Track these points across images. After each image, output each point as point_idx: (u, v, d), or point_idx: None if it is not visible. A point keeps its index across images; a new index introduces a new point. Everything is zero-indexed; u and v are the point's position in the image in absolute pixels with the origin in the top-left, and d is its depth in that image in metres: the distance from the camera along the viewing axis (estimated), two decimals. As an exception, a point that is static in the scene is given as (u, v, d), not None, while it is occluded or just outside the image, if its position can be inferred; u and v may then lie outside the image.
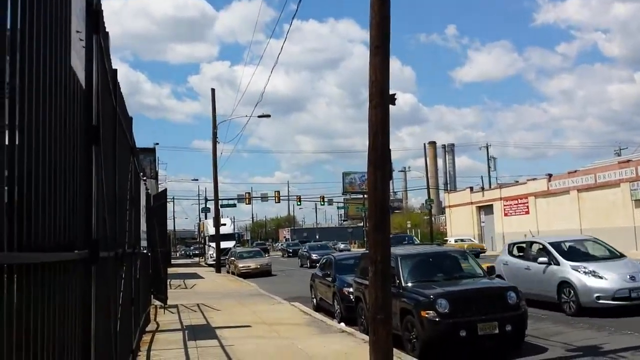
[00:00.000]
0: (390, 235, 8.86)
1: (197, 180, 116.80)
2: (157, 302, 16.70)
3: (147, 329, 12.30)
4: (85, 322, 3.32)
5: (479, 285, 10.70)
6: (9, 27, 1.90)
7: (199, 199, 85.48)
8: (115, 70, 5.88)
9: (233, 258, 37.21)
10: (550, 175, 47.67)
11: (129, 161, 8.00)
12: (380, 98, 8.40)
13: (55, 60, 2.55)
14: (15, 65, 1.97)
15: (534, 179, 50.48)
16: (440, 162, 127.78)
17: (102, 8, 4.12)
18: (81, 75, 3.31)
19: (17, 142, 1.98)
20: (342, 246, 69.81)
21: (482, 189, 61.48)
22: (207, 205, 65.50)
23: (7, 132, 1.89)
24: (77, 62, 3.16)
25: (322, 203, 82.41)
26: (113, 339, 4.99)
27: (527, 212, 49.46)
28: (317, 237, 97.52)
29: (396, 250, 11.32)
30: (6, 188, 1.88)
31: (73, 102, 3.01)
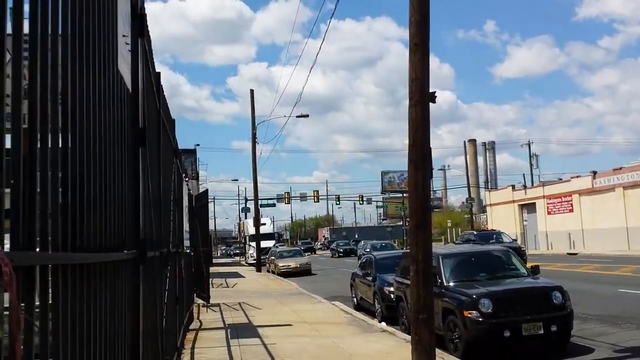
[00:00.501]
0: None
1: (236, 180, 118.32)
2: (200, 301, 16.92)
3: (191, 327, 12.48)
4: (134, 320, 3.38)
5: (523, 284, 10.52)
6: (60, 32, 1.95)
7: (238, 199, 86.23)
8: (159, 73, 5.97)
9: (273, 257, 37.46)
10: (594, 173, 46.56)
11: (172, 162, 8.12)
12: (420, 96, 8.33)
13: (105, 65, 2.61)
14: (67, 70, 2.02)
15: (577, 177, 49.39)
16: (480, 159, 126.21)
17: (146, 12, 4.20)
18: (127, 79, 3.37)
19: (69, 145, 2.03)
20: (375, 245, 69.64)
21: (525, 187, 60.44)
22: (247, 205, 66.02)
23: (60, 135, 1.94)
24: (124, 66, 3.23)
25: (361, 202, 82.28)
26: (159, 336, 5.08)
27: (571, 210, 48.42)
28: (357, 236, 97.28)
29: (437, 249, 11.22)
30: (60, 190, 1.94)
31: (121, 105, 3.08)
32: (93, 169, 2.36)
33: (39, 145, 1.68)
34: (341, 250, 60.67)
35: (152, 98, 5.08)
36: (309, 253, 63.87)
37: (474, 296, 9.60)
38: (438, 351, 8.54)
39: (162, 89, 6.34)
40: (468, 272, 11.02)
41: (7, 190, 1.49)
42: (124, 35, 3.18)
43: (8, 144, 1.49)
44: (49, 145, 1.76)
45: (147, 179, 4.04)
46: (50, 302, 1.78)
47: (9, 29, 1.50)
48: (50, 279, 1.76)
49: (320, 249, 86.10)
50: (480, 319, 9.31)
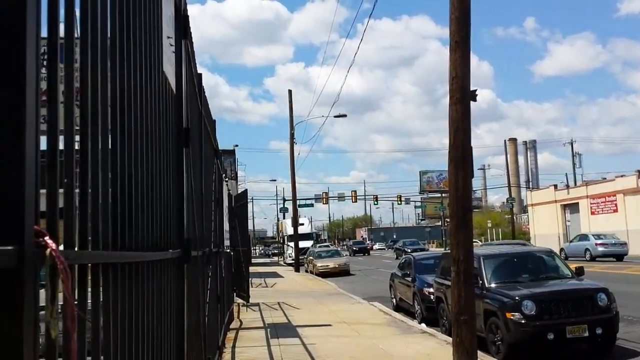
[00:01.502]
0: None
1: (275, 180, 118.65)
2: (240, 300, 17.06)
3: (231, 326, 12.60)
4: (179, 318, 3.43)
5: (567, 286, 10.30)
6: (109, 35, 1.98)
7: (276, 199, 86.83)
8: (200, 75, 6.05)
9: (311, 257, 37.54)
10: (639, 172, 45.25)
11: (213, 163, 8.22)
12: (461, 94, 8.23)
13: (151, 67, 2.65)
14: (116, 73, 2.05)
15: (622, 176, 48.08)
16: (521, 159, 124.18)
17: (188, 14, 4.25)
18: (172, 80, 3.42)
19: (119, 146, 2.07)
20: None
21: (567, 186, 59.15)
22: (285, 205, 66.34)
23: (110, 136, 1.97)
24: (169, 68, 3.27)
25: (399, 202, 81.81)
26: (202, 335, 5.14)
27: (616, 211, 47.15)
28: (395, 236, 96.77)
29: (479, 250, 11.07)
30: (110, 190, 1.97)
31: (166, 106, 3.12)
32: (141, 170, 2.40)
33: (90, 146, 1.71)
34: (409, 250, 57.37)
35: (194, 99, 5.15)
36: (363, 254, 64.50)
37: (517, 298, 9.44)
38: (480, 353, 8.42)
39: (203, 90, 6.42)
40: (510, 273, 10.84)
41: (60, 191, 1.52)
42: (168, 37, 3.23)
43: (61, 145, 1.52)
44: (100, 147, 1.80)
45: (190, 179, 4.09)
46: (100, 300, 1.81)
47: (61, 33, 1.53)
48: (101, 277, 1.79)
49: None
50: (523, 321, 9.16)
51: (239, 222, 17.18)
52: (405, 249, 54.32)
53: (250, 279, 21.33)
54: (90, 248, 1.70)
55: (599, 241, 36.35)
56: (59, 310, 1.34)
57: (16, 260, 1.08)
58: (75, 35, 1.63)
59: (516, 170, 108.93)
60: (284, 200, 70.16)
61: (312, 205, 74.16)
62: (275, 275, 33.68)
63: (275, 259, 67.15)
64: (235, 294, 17.05)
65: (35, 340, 1.17)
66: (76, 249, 1.57)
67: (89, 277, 1.69)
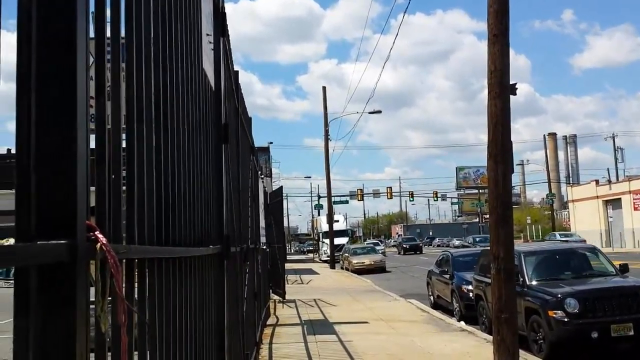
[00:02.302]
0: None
1: (309, 177, 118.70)
2: (276, 297, 17.16)
3: (268, 322, 12.68)
4: (220, 314, 3.46)
5: (611, 283, 10.06)
6: (152, 34, 2.00)
7: (311, 196, 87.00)
8: (237, 72, 6.09)
9: (347, 254, 37.50)
10: (686, 166, 43.92)
11: (249, 160, 8.27)
12: (500, 89, 8.10)
13: (192, 64, 2.67)
14: (159, 70, 2.07)
15: (667, 170, 46.74)
16: (561, 154, 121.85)
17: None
18: (211, 77, 3.45)
19: (162, 143, 2.09)
20: (457, 242, 68.17)
21: (609, 181, 57.85)
22: (320, 202, 66.44)
23: (153, 134, 1.99)
24: (208, 65, 3.30)
25: (435, 199, 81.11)
26: (241, 330, 5.18)
27: (660, 206, 45.91)
28: (431, 233, 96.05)
29: (519, 247, 10.90)
30: (155, 185, 1.99)
31: (205, 103, 3.15)
32: (183, 165, 2.42)
33: (136, 143, 1.73)
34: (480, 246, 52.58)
35: (231, 96, 5.18)
36: (415, 252, 58.10)
37: (559, 295, 9.26)
38: (521, 352, 8.28)
39: (240, 87, 6.47)
40: (552, 270, 10.65)
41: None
42: (207, 35, 3.25)
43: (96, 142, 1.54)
44: (145, 143, 1.82)
45: (229, 176, 4.12)
46: (146, 294, 1.84)
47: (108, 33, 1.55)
48: (147, 272, 1.82)
49: (393, 246, 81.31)
50: (565, 319, 8.99)
51: (274, 219, 17.27)
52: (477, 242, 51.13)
53: (285, 275, 21.44)
54: (137, 243, 1.72)
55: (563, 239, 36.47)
56: (109, 305, 1.36)
57: (69, 255, 1.10)
58: (122, 35, 1.65)
59: (556, 165, 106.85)
60: (319, 197, 70.24)
61: (347, 202, 74.11)
62: (310, 272, 33.77)
63: (310, 255, 67.32)
64: (271, 290, 17.16)
65: (87, 333, 1.19)
66: (123, 243, 1.59)
67: (136, 272, 1.71)
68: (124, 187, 1.66)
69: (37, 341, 1.05)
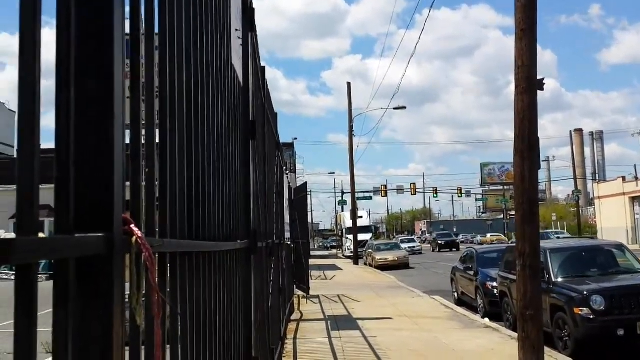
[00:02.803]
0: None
1: (333, 173, 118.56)
2: (300, 292, 17.21)
3: (292, 317, 12.72)
4: (247, 308, 3.48)
5: (637, 281, 9.90)
6: (184, 29, 2.02)
7: (335, 192, 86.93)
8: (264, 67, 6.11)
9: (370, 250, 37.45)
10: None
11: (275, 155, 8.29)
12: (527, 84, 8.01)
13: (221, 59, 2.69)
14: (190, 66, 2.09)
15: (697, 167, 45.77)
16: (587, 150, 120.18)
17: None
18: (239, 73, 3.46)
19: (193, 138, 2.11)
20: (480, 238, 67.67)
21: (636, 178, 56.78)
22: (344, 198, 66.36)
23: (185, 129, 2.01)
24: (237, 60, 3.31)
25: (460, 195, 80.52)
26: (267, 325, 5.21)
27: (690, 204, 44.99)
28: (455, 229, 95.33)
29: (545, 243, 10.79)
30: (185, 180, 2.01)
31: (234, 98, 3.16)
32: (212, 160, 2.44)
33: (169, 138, 1.75)
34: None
35: (258, 92, 5.20)
36: (451, 250, 55.64)
37: (585, 292, 9.16)
38: (546, 349, 8.21)
39: (266, 83, 6.48)
40: (578, 267, 10.53)
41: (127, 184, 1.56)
42: (236, 30, 3.27)
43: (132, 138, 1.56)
44: (177, 138, 1.83)
45: (256, 171, 4.14)
46: (178, 288, 1.86)
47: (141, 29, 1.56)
48: (178, 265, 1.84)
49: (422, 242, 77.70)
50: (591, 317, 8.89)
51: (299, 214, 17.31)
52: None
53: (309, 271, 21.49)
54: (169, 237, 1.74)
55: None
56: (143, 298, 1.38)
57: (106, 247, 1.11)
58: (155, 31, 1.67)
59: (582, 161, 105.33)
60: (343, 192, 70.15)
61: (370, 198, 73.92)
62: (334, 267, 33.79)
63: (334, 251, 67.29)
64: (295, 285, 17.22)
65: (123, 326, 1.21)
66: (157, 237, 1.61)
67: (168, 266, 1.73)
68: (157, 182, 1.68)
69: (76, 332, 1.06)
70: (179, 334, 1.80)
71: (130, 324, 1.36)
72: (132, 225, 1.28)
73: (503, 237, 65.29)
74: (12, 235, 0.94)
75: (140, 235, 1.28)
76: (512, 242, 17.38)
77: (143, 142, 1.52)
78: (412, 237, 65.21)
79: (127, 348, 1.34)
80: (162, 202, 1.70)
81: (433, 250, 56.48)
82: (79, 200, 1.10)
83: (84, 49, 1.12)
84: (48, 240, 0.94)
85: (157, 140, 1.68)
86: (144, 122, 1.53)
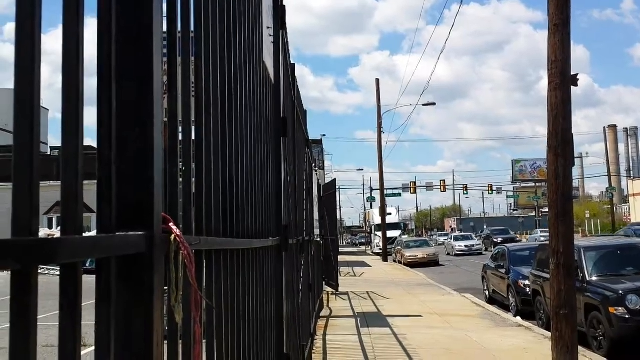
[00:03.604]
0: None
1: (361, 170, 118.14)
2: (329, 289, 17.22)
3: (321, 314, 12.74)
4: (279, 305, 3.49)
5: (675, 280, 9.67)
6: (218, 28, 2.02)
7: (363, 189, 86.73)
8: (293, 65, 6.11)
9: (399, 247, 37.31)
10: None
11: (304, 152, 8.30)
12: (561, 79, 7.87)
13: (254, 57, 2.69)
14: (224, 64, 2.09)
15: None
16: (621, 146, 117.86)
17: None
18: (270, 70, 3.47)
19: (227, 136, 2.12)
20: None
21: (673, 175, 55.40)
22: (372, 195, 66.13)
23: (219, 127, 2.02)
24: (268, 58, 3.32)
25: (490, 192, 79.65)
26: (297, 321, 5.22)
27: None
28: (485, 227, 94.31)
29: (579, 242, 10.61)
30: (220, 179, 2.02)
31: (266, 96, 3.17)
32: (245, 159, 2.45)
33: (204, 136, 1.76)
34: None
35: (288, 89, 5.21)
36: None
37: (621, 292, 8.99)
38: (580, 349, 8.07)
39: (296, 80, 6.49)
40: (613, 266, 10.33)
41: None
42: (267, 27, 3.27)
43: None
44: (212, 137, 1.85)
45: (286, 169, 4.15)
46: (213, 285, 1.87)
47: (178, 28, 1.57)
48: (213, 263, 1.85)
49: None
50: (627, 316, 8.73)
51: (328, 211, 17.31)
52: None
53: (338, 267, 21.48)
54: (204, 235, 1.75)
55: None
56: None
57: (146, 246, 1.12)
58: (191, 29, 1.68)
59: (616, 158, 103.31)
60: (371, 189, 69.88)
61: (399, 194, 73.46)
62: (363, 264, 33.73)
63: (362, 248, 67.16)
64: (324, 282, 17.24)
65: (163, 323, 1.22)
66: (193, 235, 1.62)
67: (204, 263, 1.74)
68: (193, 180, 1.70)
69: (118, 329, 1.08)
70: (214, 331, 1.82)
71: (168, 322, 1.37)
72: (171, 224, 1.30)
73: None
74: (57, 234, 0.96)
75: (178, 233, 1.29)
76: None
77: (180, 140, 1.54)
78: (468, 233, 55.23)
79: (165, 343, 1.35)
80: (198, 200, 1.72)
81: (486, 249, 44.04)
82: (120, 199, 1.11)
83: (124, 47, 1.13)
84: (93, 239, 0.95)
85: (193, 138, 1.69)
86: (180, 120, 1.55)
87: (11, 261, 0.73)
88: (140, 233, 1.10)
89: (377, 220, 45.82)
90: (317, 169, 16.82)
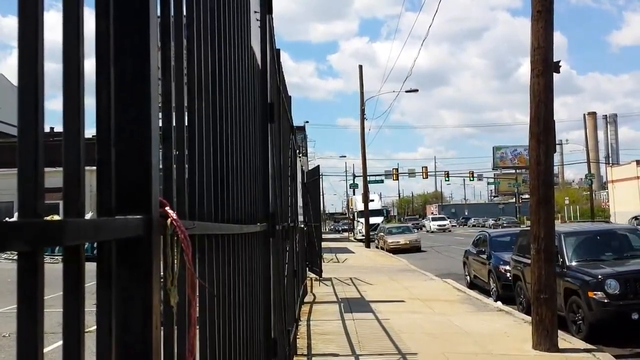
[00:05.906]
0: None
1: (344, 157, 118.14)
2: (313, 275, 17.28)
3: (305, 300, 12.79)
4: (266, 290, 3.51)
5: (652, 265, 9.85)
6: (208, 12, 2.02)
7: (346, 176, 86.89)
8: (279, 50, 6.09)
9: (382, 234, 37.50)
10: None
11: (289, 139, 8.29)
12: (544, 66, 7.95)
13: (241, 42, 2.68)
14: (215, 48, 2.09)
15: None
16: (600, 134, 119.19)
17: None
18: (258, 56, 3.46)
19: (217, 122, 2.12)
20: (492, 222, 67.45)
21: (651, 161, 56.22)
22: (355, 182, 66.27)
23: (210, 113, 2.02)
24: (255, 43, 3.31)
25: (471, 179, 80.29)
26: (283, 307, 5.25)
27: None
28: (466, 213, 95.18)
29: (560, 227, 10.75)
30: (212, 162, 2.02)
31: (253, 81, 3.17)
32: (235, 145, 2.45)
33: (196, 120, 1.76)
34: None
35: (274, 74, 5.20)
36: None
37: (600, 276, 9.13)
38: (560, 332, 8.23)
39: (281, 65, 6.47)
40: (592, 251, 10.50)
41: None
42: (255, 12, 3.26)
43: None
44: (204, 122, 1.84)
45: (273, 155, 4.15)
46: (205, 269, 1.88)
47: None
48: (206, 247, 1.86)
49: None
50: (606, 301, 8.88)
51: (311, 197, 17.32)
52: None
53: (322, 253, 21.54)
54: (197, 219, 1.75)
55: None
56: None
57: (144, 229, 1.13)
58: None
59: (595, 145, 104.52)
60: (354, 176, 70.07)
61: (382, 181, 73.81)
62: (346, 250, 33.87)
63: (345, 234, 67.33)
64: (308, 268, 17.29)
65: (159, 306, 1.23)
66: (186, 219, 1.63)
67: (197, 248, 1.75)
68: (186, 165, 1.70)
69: (119, 312, 1.09)
70: (207, 314, 1.83)
71: (163, 305, 1.38)
72: (167, 208, 1.30)
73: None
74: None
75: (175, 217, 1.30)
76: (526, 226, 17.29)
77: (174, 124, 1.53)
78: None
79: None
80: (191, 185, 1.72)
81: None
82: (119, 182, 1.12)
83: (122, 29, 1.13)
84: (96, 222, 0.96)
85: (186, 124, 1.69)
86: (174, 104, 1.54)
87: (20, 242, 0.73)
88: (138, 217, 1.11)
89: (360, 206, 45.98)
90: (300, 155, 16.80)
